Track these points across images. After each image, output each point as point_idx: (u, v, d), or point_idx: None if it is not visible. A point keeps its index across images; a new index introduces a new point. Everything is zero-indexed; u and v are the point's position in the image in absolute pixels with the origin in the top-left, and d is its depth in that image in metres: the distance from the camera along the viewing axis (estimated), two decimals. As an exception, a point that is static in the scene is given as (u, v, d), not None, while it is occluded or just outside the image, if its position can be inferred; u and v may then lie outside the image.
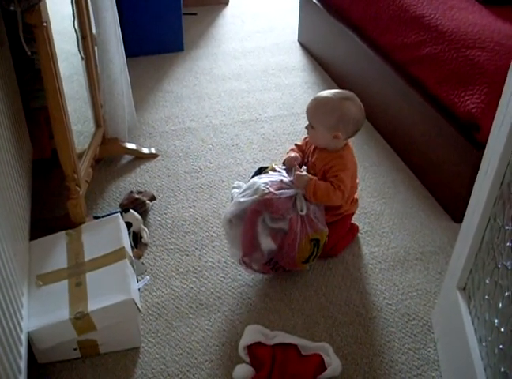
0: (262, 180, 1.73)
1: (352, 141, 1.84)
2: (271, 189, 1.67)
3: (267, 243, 1.68)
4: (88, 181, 1.99)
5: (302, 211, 1.68)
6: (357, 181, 1.89)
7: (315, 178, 1.74)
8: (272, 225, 1.67)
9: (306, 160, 1.87)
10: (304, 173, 1.76)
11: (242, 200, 1.69)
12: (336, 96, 1.74)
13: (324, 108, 1.73)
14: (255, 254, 1.70)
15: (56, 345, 1.48)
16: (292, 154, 1.86)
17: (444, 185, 2.10)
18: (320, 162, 1.80)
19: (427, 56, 2.15)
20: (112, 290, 1.52)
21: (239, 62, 3.22)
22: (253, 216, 1.67)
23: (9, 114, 1.68)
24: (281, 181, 1.72)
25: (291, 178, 1.74)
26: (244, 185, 1.78)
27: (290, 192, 1.69)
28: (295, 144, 1.93)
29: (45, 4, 1.51)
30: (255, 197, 1.68)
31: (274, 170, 1.80)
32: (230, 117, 2.68)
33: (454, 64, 2.01)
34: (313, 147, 1.85)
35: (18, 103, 1.90)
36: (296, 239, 1.67)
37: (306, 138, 1.90)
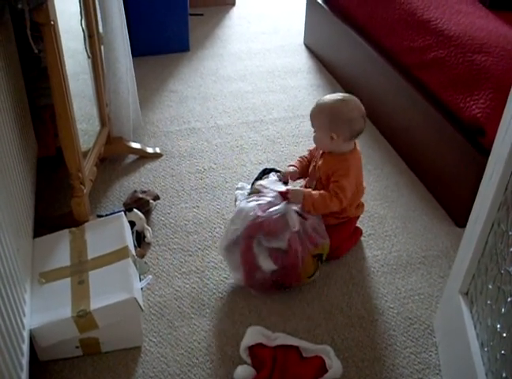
0: (250, 205, 1.72)
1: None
2: (258, 213, 1.67)
3: (267, 264, 1.68)
4: (93, 179, 1.99)
5: (294, 227, 1.67)
6: (364, 185, 1.89)
7: (309, 190, 1.77)
8: (268, 245, 1.68)
9: (314, 163, 1.88)
10: (297, 187, 1.79)
11: (233, 228, 1.71)
12: (331, 98, 1.77)
13: (319, 111, 1.77)
14: (258, 275, 1.71)
15: (58, 343, 1.49)
16: (291, 169, 1.89)
17: (448, 190, 2.10)
18: (325, 165, 1.81)
19: (432, 60, 2.15)
20: (115, 288, 1.52)
21: (244, 63, 3.22)
22: (247, 241, 1.69)
23: (15, 111, 1.69)
24: (269, 202, 1.72)
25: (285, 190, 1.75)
26: (234, 212, 1.76)
27: (279, 210, 1.69)
28: (302, 156, 1.95)
29: (53, 2, 1.51)
30: (245, 223, 1.68)
31: (259, 191, 1.78)
32: (235, 118, 2.69)
33: (460, 68, 2.01)
34: (321, 151, 1.86)
35: (24, 101, 1.90)
36: (298, 257, 1.67)
37: None
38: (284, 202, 1.71)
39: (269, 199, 1.73)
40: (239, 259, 1.72)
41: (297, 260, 1.67)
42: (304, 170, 1.91)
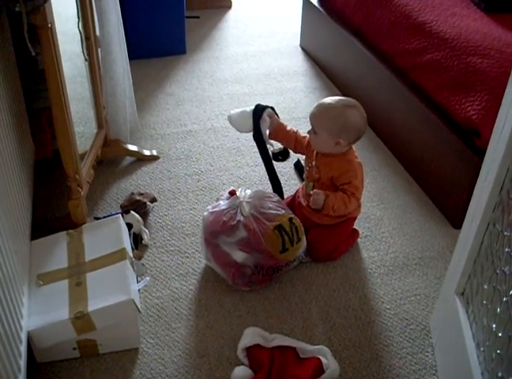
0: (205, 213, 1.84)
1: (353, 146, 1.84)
2: (210, 210, 1.80)
3: (239, 255, 1.72)
4: (90, 182, 2.00)
5: (244, 214, 1.73)
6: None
7: (329, 193, 1.76)
8: (232, 240, 1.73)
9: (309, 165, 1.88)
10: (319, 191, 1.75)
11: (201, 239, 1.83)
12: (340, 103, 1.75)
13: (328, 114, 1.74)
14: (240, 270, 1.73)
15: (55, 344, 1.49)
16: (288, 128, 1.92)
17: (444, 191, 2.11)
18: (326, 167, 1.80)
19: (428, 62, 2.17)
20: (112, 290, 1.53)
21: (241, 66, 3.23)
22: (213, 242, 1.76)
23: (12, 113, 1.69)
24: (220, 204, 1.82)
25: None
26: None
27: (227, 203, 1.79)
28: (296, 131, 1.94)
29: (50, 5, 1.51)
30: (204, 225, 1.81)
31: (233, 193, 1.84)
32: (231, 120, 2.69)
33: (455, 70, 2.02)
34: (315, 151, 1.85)
35: (21, 103, 1.90)
36: (259, 236, 1.70)
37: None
38: (232, 197, 1.80)
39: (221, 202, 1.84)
40: (216, 263, 1.77)
41: (258, 238, 1.70)
42: (285, 135, 1.92)
